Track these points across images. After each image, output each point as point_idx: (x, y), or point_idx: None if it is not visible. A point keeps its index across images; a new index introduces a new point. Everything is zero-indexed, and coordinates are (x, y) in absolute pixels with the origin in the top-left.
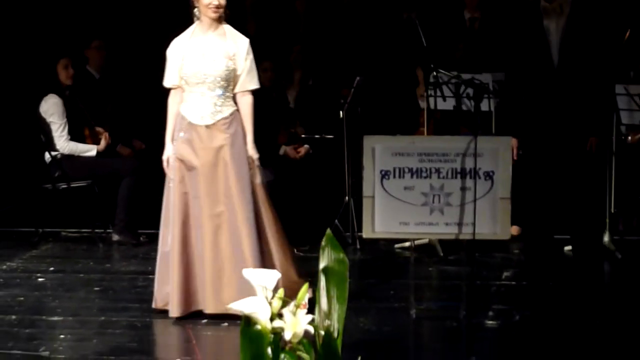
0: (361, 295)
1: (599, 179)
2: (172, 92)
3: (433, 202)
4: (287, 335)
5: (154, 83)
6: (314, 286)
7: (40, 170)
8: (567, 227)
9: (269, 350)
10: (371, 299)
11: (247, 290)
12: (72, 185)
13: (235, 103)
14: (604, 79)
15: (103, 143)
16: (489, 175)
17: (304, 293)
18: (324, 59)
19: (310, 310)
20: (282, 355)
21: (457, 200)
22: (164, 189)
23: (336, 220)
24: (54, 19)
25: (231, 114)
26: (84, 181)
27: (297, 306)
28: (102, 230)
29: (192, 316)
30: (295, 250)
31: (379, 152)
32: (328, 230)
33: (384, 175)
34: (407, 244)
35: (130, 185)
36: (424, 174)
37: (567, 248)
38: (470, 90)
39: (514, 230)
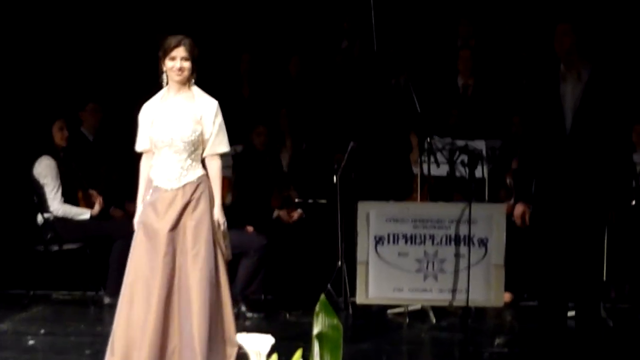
0: None
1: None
2: (143, 156)
3: (427, 268)
4: None
5: None
6: (307, 352)
7: (33, 231)
8: (571, 295)
9: None
10: None
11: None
12: (64, 247)
13: (205, 167)
14: (621, 149)
15: (97, 207)
16: (482, 242)
17: (298, 359)
18: (317, 123)
19: None
20: None
21: (451, 266)
22: None
23: (329, 285)
24: (49, 80)
25: (198, 178)
26: (76, 243)
27: None
28: (94, 293)
29: None
30: (288, 315)
31: (374, 217)
32: (322, 296)
33: (378, 240)
34: (399, 309)
35: (122, 248)
36: (418, 240)
37: (570, 314)
38: (464, 157)
39: (507, 297)
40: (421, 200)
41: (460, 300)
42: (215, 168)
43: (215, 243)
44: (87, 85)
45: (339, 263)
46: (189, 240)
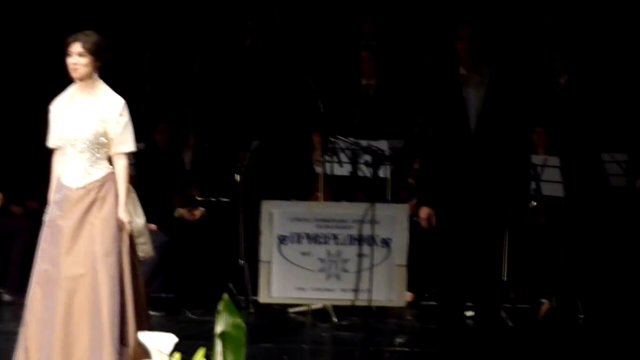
0: None
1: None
2: (55, 152)
3: (330, 268)
4: None
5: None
6: (210, 350)
7: None
8: (471, 294)
9: None
10: None
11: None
12: None
13: (112, 164)
14: (521, 150)
15: None
16: (385, 242)
17: (201, 357)
18: (219, 121)
19: None
20: None
21: (354, 266)
22: None
23: (230, 284)
24: None
25: (103, 177)
26: None
27: None
28: None
29: None
30: (189, 313)
31: (277, 217)
32: (225, 295)
33: (282, 240)
34: (301, 308)
35: (22, 245)
36: (321, 240)
37: (469, 314)
38: (366, 157)
39: (408, 296)
40: (324, 199)
41: (362, 299)
42: (120, 167)
43: (121, 242)
44: None
45: (241, 261)
46: (97, 240)
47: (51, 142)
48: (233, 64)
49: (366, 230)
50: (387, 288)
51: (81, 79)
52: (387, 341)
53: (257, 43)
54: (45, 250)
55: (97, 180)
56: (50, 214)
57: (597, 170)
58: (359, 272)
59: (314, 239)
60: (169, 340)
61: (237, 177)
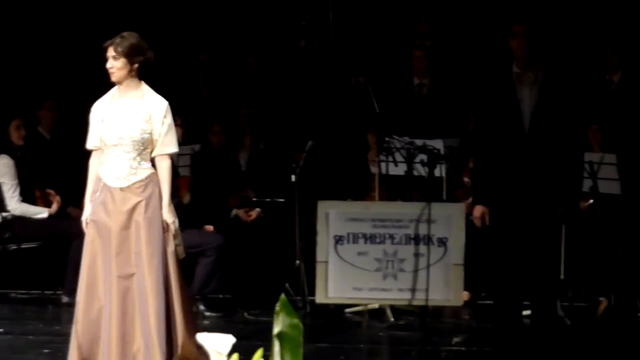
0: None
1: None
2: (93, 154)
3: (386, 267)
4: None
5: None
6: (267, 351)
7: None
8: (528, 293)
9: None
10: None
11: (149, 355)
12: (22, 246)
13: (154, 166)
14: (574, 148)
15: (55, 207)
16: (442, 242)
17: (258, 358)
18: (275, 122)
19: None
20: None
21: (411, 266)
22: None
23: (287, 284)
24: (6, 80)
25: (147, 177)
26: (34, 242)
27: None
28: (52, 292)
29: None
30: (246, 314)
31: (333, 217)
32: (282, 295)
33: (338, 240)
34: (357, 308)
35: (80, 247)
36: (377, 240)
37: (526, 313)
38: (422, 156)
39: (465, 295)
40: (379, 199)
41: (419, 299)
42: (164, 168)
43: (165, 242)
44: (44, 84)
45: (297, 262)
46: (143, 241)
47: (90, 144)
48: (288, 65)
49: (422, 229)
50: (444, 287)
51: (119, 82)
52: (444, 341)
53: (311, 43)
54: (92, 251)
55: (141, 181)
56: (95, 214)
57: None
58: (415, 271)
59: (370, 238)
60: (228, 341)
61: (293, 178)
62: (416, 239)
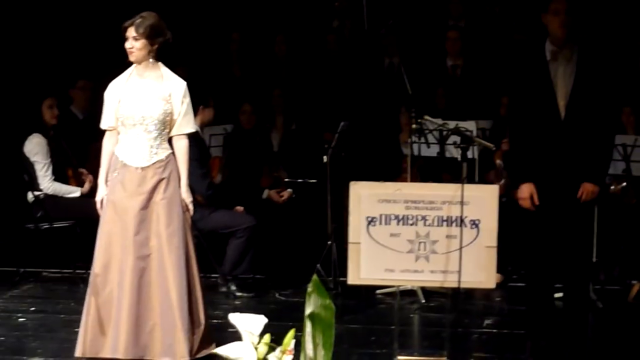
0: (343, 341)
1: (587, 227)
2: (107, 134)
3: (419, 249)
4: None
5: None
6: (299, 331)
7: (23, 209)
8: (560, 276)
9: None
10: (354, 344)
11: (172, 334)
12: (54, 225)
13: (171, 146)
14: (607, 128)
15: (87, 186)
16: (475, 224)
17: (290, 339)
18: (306, 103)
19: (297, 356)
20: None
21: (443, 248)
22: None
23: (318, 265)
24: (39, 58)
25: (167, 157)
26: (66, 221)
27: (283, 352)
28: (84, 271)
29: None
30: (277, 294)
31: (366, 198)
32: (315, 276)
33: (370, 221)
34: (389, 289)
35: None
36: (410, 221)
37: (558, 296)
38: (455, 138)
39: (497, 278)
40: (410, 181)
41: (451, 281)
42: (182, 148)
43: (184, 222)
44: (77, 63)
45: (329, 243)
46: (163, 220)
47: (106, 124)
48: (320, 45)
49: (455, 211)
50: (476, 269)
51: (138, 62)
52: (476, 323)
53: (344, 24)
54: (109, 230)
55: (161, 161)
56: (113, 194)
57: None
58: (447, 253)
59: (402, 220)
60: (259, 321)
61: (325, 159)
62: (449, 221)
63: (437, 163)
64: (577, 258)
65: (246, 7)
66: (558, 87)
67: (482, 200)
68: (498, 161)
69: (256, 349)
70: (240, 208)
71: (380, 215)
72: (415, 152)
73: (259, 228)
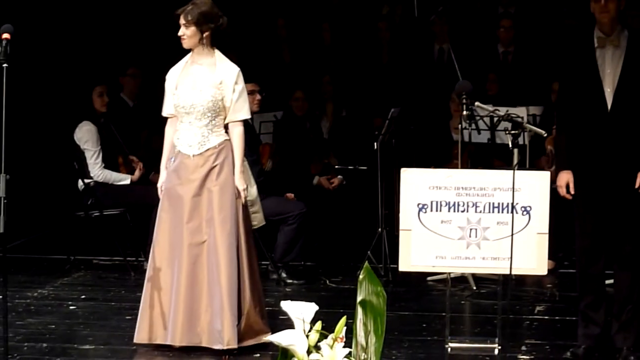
0: (394, 328)
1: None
2: (169, 121)
3: (470, 236)
4: None
5: None
6: (350, 319)
7: (73, 197)
8: (610, 262)
9: None
10: (405, 332)
11: (220, 320)
12: (104, 213)
13: (227, 132)
14: None
15: (137, 173)
16: (526, 210)
17: (342, 326)
18: (356, 90)
19: (348, 344)
20: None
21: (494, 234)
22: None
23: (369, 252)
24: (89, 46)
25: (220, 144)
26: (116, 209)
27: (335, 339)
28: (134, 259)
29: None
30: (327, 282)
31: (417, 185)
32: (366, 263)
33: (421, 208)
34: (440, 276)
35: None
36: (461, 208)
37: (609, 282)
38: (504, 124)
39: (549, 264)
40: (461, 167)
41: (503, 268)
42: (237, 135)
43: (237, 209)
44: (127, 51)
45: (379, 230)
46: (215, 207)
47: (165, 111)
48: (371, 32)
49: (506, 198)
50: (528, 256)
51: (192, 49)
52: (527, 309)
53: (394, 10)
54: (164, 218)
55: (214, 148)
56: (168, 182)
57: None
58: (499, 240)
59: (454, 206)
60: (311, 308)
61: (375, 145)
62: (500, 208)
63: (487, 149)
64: (627, 245)
65: None
66: (605, 74)
67: (534, 187)
68: (549, 147)
69: (307, 336)
70: (290, 195)
71: (432, 202)
72: (466, 139)
73: (309, 215)
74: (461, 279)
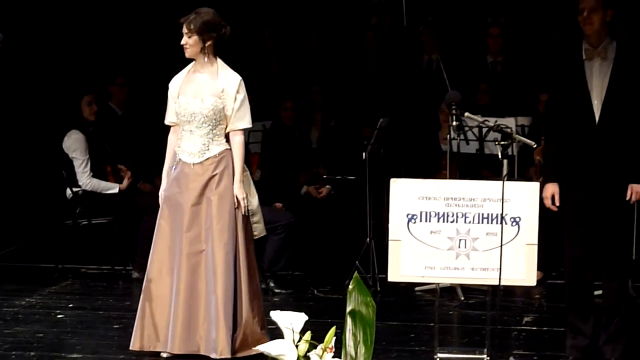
0: (383, 339)
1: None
2: (171, 130)
3: (459, 246)
4: None
5: None
6: (338, 328)
7: (62, 206)
8: (599, 273)
9: None
10: (393, 342)
11: (215, 328)
12: (92, 221)
13: (228, 142)
14: None
15: (125, 182)
16: (515, 221)
17: (331, 336)
18: (345, 99)
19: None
20: None
21: (484, 245)
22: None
23: (357, 262)
24: (78, 55)
25: (220, 153)
26: (104, 218)
27: (324, 349)
28: (122, 268)
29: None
30: (315, 291)
31: (406, 195)
32: (356, 274)
33: (411, 218)
34: (428, 286)
35: (151, 223)
36: (450, 219)
37: (597, 293)
38: (494, 134)
39: (537, 275)
40: (449, 177)
41: (492, 278)
42: (237, 143)
43: (236, 219)
44: (116, 60)
45: (368, 240)
46: (214, 215)
47: (168, 120)
48: (359, 42)
49: (496, 208)
50: (517, 267)
51: (194, 57)
52: (516, 320)
53: (383, 20)
54: (164, 226)
55: (214, 157)
56: (168, 190)
57: None
58: (488, 250)
59: (443, 217)
60: (300, 318)
61: (364, 155)
62: (489, 218)
63: (476, 160)
64: (616, 255)
65: (279, 4)
66: (593, 86)
67: (523, 198)
68: (538, 158)
69: (297, 346)
70: (279, 204)
71: (421, 212)
72: (455, 149)
73: (297, 224)
74: (450, 290)
